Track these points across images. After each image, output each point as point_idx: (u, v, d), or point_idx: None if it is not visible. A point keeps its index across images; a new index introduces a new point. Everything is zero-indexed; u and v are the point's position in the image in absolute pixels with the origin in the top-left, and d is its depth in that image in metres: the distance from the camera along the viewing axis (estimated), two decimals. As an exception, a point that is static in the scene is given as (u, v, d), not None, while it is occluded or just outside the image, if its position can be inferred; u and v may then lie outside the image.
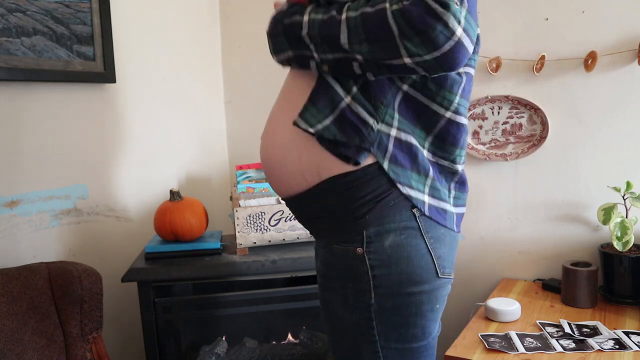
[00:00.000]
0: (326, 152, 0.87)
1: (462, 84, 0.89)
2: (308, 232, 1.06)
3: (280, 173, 0.93)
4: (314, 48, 0.83)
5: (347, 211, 0.87)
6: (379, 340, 0.90)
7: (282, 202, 1.46)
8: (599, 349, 1.27)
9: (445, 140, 0.90)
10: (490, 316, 1.48)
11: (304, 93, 0.90)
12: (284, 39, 0.88)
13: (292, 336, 1.82)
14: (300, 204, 0.95)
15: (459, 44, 0.72)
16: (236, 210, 1.61)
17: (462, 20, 0.72)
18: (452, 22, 0.71)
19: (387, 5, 0.74)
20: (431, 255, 0.88)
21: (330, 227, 0.91)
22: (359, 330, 0.90)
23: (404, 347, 0.90)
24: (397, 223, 0.86)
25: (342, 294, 0.91)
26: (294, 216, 1.09)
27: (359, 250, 0.87)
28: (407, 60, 0.74)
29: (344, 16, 0.79)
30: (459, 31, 0.72)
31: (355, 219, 0.87)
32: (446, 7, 0.70)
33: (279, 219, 1.63)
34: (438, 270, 0.89)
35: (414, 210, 0.87)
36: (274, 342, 1.80)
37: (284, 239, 1.65)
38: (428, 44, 0.72)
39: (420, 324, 0.89)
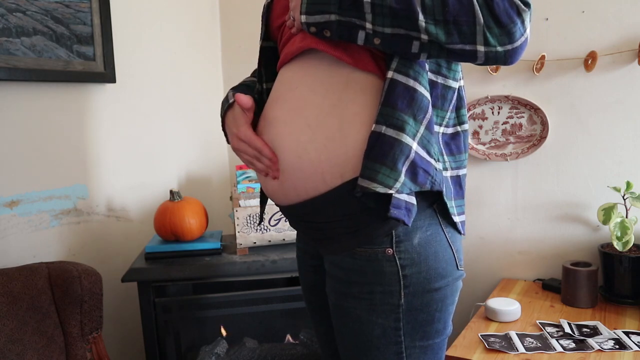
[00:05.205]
0: (351, 151, 0.81)
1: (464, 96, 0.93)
2: (313, 239, 0.96)
3: (293, 177, 0.86)
4: (371, 18, 0.75)
5: (375, 211, 0.83)
6: (404, 341, 0.87)
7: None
8: (599, 349, 1.27)
9: (462, 152, 0.93)
10: (490, 316, 1.48)
11: (330, 91, 0.84)
12: None
13: (292, 336, 1.82)
14: (313, 209, 0.88)
15: (526, 41, 0.77)
16: (236, 210, 1.61)
17: (530, 20, 0.77)
18: (527, 20, 0.76)
19: None
20: (451, 249, 0.88)
21: (351, 230, 0.86)
22: (384, 333, 0.87)
23: (427, 344, 0.89)
24: (423, 220, 0.86)
25: (368, 299, 0.87)
26: (290, 223, 1.00)
27: (389, 250, 0.84)
28: (481, 48, 0.75)
29: None
30: (528, 29, 0.77)
31: (384, 219, 0.83)
32: (528, 5, 0.75)
33: (279, 219, 1.63)
34: (457, 263, 0.90)
35: (434, 206, 0.87)
36: (273, 342, 1.80)
37: (284, 239, 1.65)
38: (505, 38, 0.75)
39: (443, 318, 0.89)
